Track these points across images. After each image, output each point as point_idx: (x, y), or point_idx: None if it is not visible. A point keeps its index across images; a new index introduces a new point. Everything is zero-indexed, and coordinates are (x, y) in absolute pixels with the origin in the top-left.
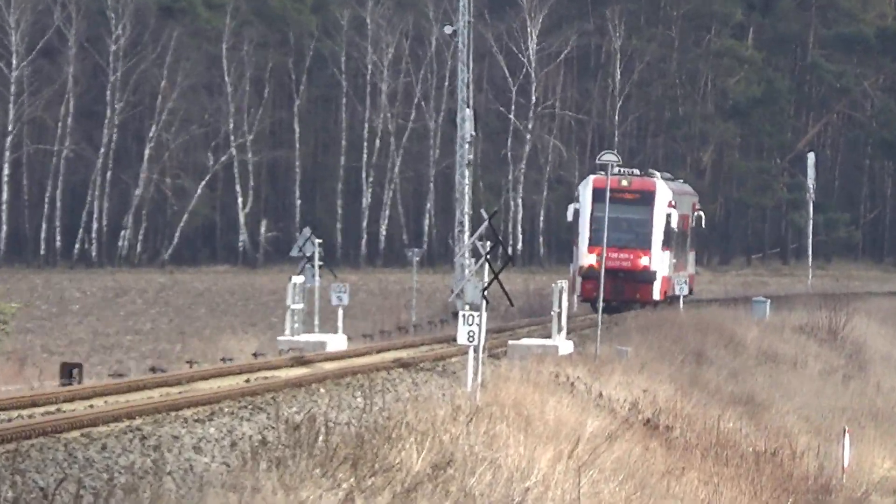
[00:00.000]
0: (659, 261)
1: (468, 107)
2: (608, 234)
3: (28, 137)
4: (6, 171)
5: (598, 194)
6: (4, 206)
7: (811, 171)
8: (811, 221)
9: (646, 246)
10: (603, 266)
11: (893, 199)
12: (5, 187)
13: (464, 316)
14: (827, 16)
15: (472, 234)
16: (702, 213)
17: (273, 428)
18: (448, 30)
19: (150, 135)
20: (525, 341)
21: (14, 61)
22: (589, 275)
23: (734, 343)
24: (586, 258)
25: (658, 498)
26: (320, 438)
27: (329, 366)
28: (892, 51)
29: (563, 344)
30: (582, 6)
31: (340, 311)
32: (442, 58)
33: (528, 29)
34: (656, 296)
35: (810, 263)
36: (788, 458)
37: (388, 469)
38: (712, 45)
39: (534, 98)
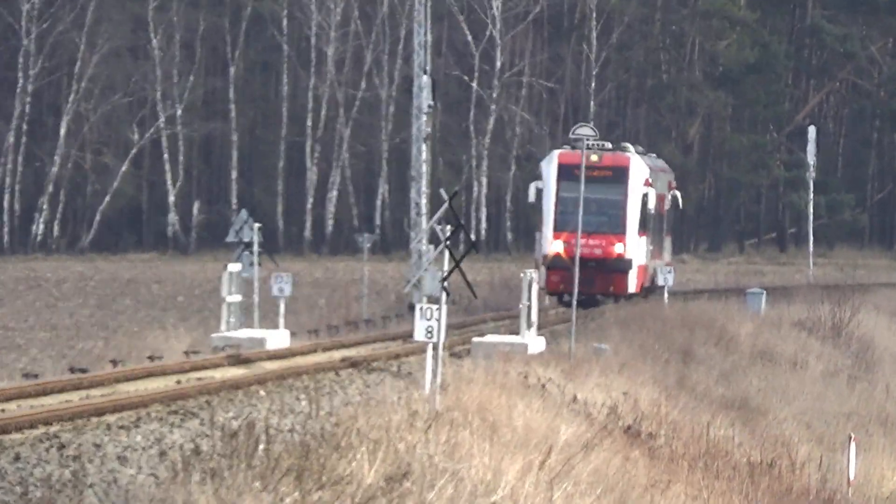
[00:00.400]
0: (635, 247)
1: (425, 74)
2: (575, 217)
3: None
4: None
5: (563, 171)
6: None
7: (812, 147)
8: (812, 203)
9: (619, 230)
10: (578, 253)
11: None
12: None
13: (421, 310)
14: None
15: (430, 217)
16: (678, 192)
17: (207, 435)
18: None
19: (68, 106)
20: (490, 338)
21: None
22: (555, 264)
23: (725, 340)
24: (552, 245)
25: None
26: (260, 447)
27: (270, 365)
28: None
29: (534, 341)
30: None
31: (282, 304)
32: (396, 19)
33: None
34: (632, 288)
35: (811, 250)
36: (787, 470)
37: (336, 482)
38: (700, 4)
39: (499, 64)
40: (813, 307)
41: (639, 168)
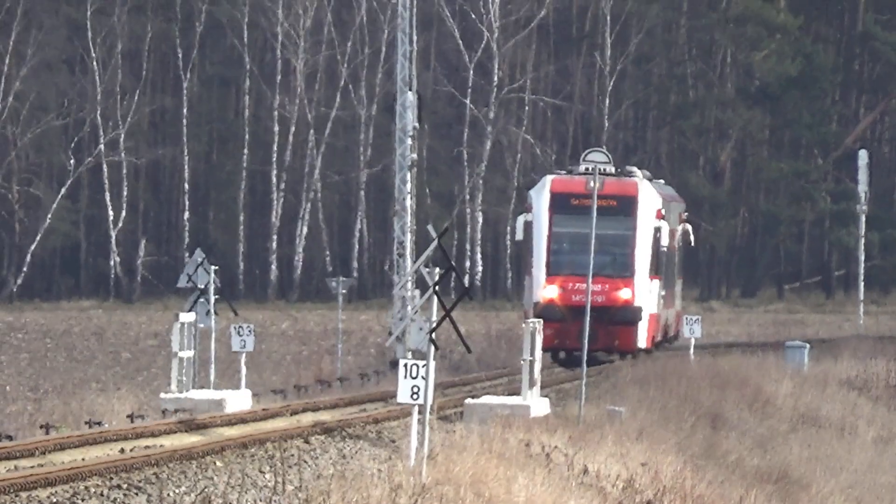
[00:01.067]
0: (645, 293)
1: (410, 90)
2: (572, 257)
3: None
4: None
5: (557, 202)
6: None
7: (863, 175)
8: (863, 241)
9: (627, 273)
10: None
11: None
12: None
13: (405, 366)
14: None
15: (416, 259)
16: (689, 226)
17: None
18: None
19: None
20: (486, 399)
21: None
22: (549, 314)
23: (761, 402)
24: (544, 291)
25: None
26: None
27: (229, 431)
28: None
29: (537, 403)
30: None
31: (243, 360)
32: (376, 25)
33: None
34: (642, 342)
35: (861, 296)
36: None
37: None
38: (733, 8)
39: (496, 78)
40: (864, 363)
41: (649, 197)
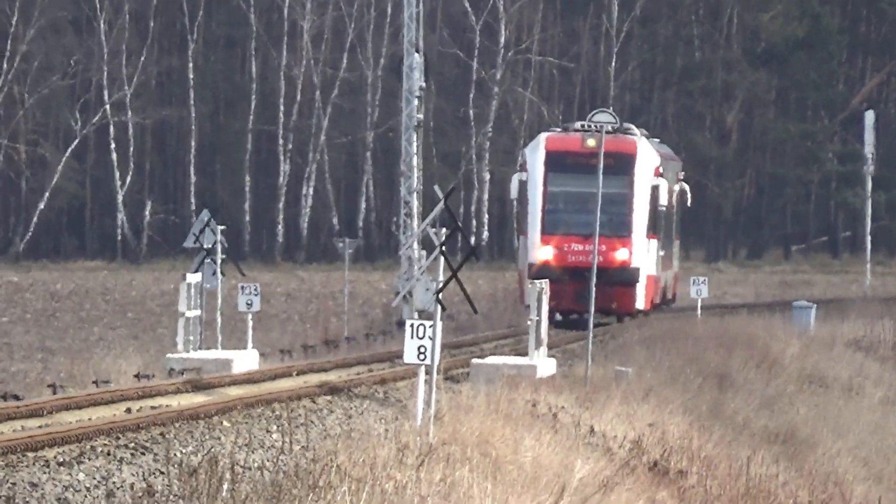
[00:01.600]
0: (643, 254)
1: (417, 51)
2: (568, 216)
3: None
4: None
5: (552, 160)
6: None
7: (870, 136)
8: (869, 202)
9: (624, 232)
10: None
11: None
12: None
13: (412, 327)
14: None
15: (422, 219)
16: (687, 185)
17: (162, 473)
18: None
19: None
20: (493, 360)
21: None
22: (544, 276)
23: (768, 362)
24: (539, 252)
25: None
26: (224, 487)
27: (236, 391)
28: None
29: (543, 363)
30: None
31: (250, 320)
32: None
33: None
34: (640, 304)
35: (868, 257)
36: None
37: None
38: None
39: (503, 39)
40: (871, 324)
41: (647, 155)
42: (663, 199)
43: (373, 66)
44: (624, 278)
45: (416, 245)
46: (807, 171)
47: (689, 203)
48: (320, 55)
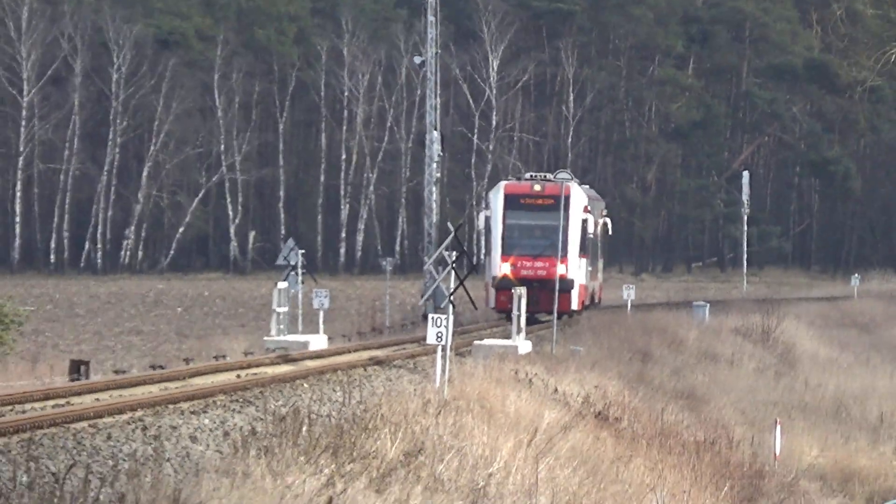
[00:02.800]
0: (575, 269)
1: (436, 129)
2: (521, 241)
3: (38, 157)
4: (19, 188)
5: (509, 201)
6: (18, 219)
7: (746, 188)
8: (745, 233)
9: (562, 253)
10: (524, 274)
11: (819, 214)
12: (18, 202)
13: (433, 319)
14: (759, 47)
15: (439, 245)
16: (609, 220)
17: (262, 419)
18: (417, 60)
19: (149, 154)
20: (488, 342)
21: (25, 88)
22: (503, 285)
23: (676, 343)
24: (500, 268)
25: (608, 482)
26: (304, 429)
27: (311, 363)
28: (818, 79)
29: (522, 344)
30: (538, 39)
31: (321, 314)
32: (412, 85)
33: (490, 59)
34: (574, 305)
35: (745, 271)
36: (726, 447)
37: (364, 456)
38: (656, 74)
39: (494, 122)
40: (746, 317)
41: (578, 196)
42: (590, 229)
43: (405, 139)
44: (562, 287)
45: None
46: (702, 213)
47: (610, 232)
48: (369, 132)
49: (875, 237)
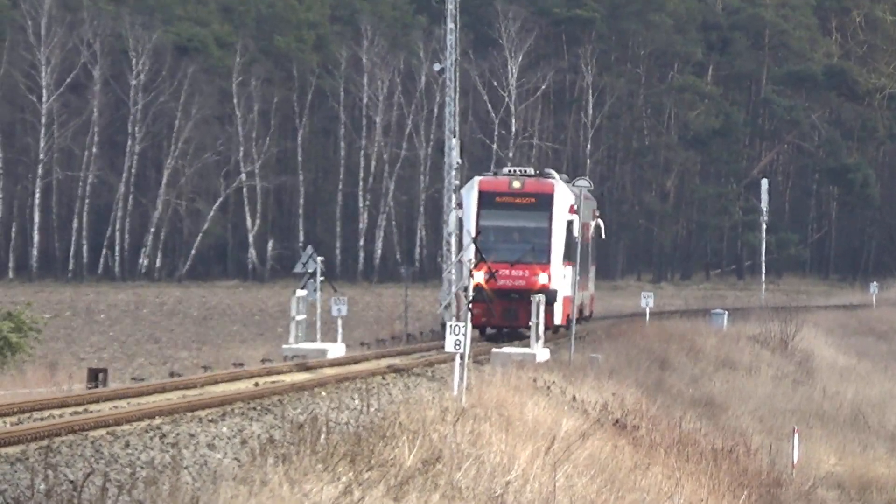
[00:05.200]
0: (559, 278)
1: (455, 137)
2: (497, 246)
3: (57, 165)
4: (38, 196)
5: (485, 199)
6: (36, 227)
7: (764, 196)
8: (764, 241)
9: (544, 260)
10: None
11: (838, 221)
12: (37, 210)
13: (451, 327)
14: (778, 55)
15: (458, 253)
16: (601, 221)
17: (279, 427)
18: (436, 67)
19: (168, 162)
20: (506, 349)
21: (44, 95)
22: (476, 297)
23: (695, 351)
24: (474, 276)
25: (626, 491)
26: (322, 437)
27: (329, 371)
28: (837, 87)
29: (541, 352)
30: (557, 46)
31: (340, 322)
32: (431, 92)
33: (509, 66)
34: (558, 320)
35: (763, 279)
36: (744, 455)
37: (382, 464)
38: (675, 81)
39: (514, 129)
40: (765, 325)
41: (563, 195)
42: (577, 232)
43: (424, 147)
44: (545, 299)
45: (454, 271)
46: (721, 220)
47: (603, 236)
48: (388, 139)
49: (894, 245)
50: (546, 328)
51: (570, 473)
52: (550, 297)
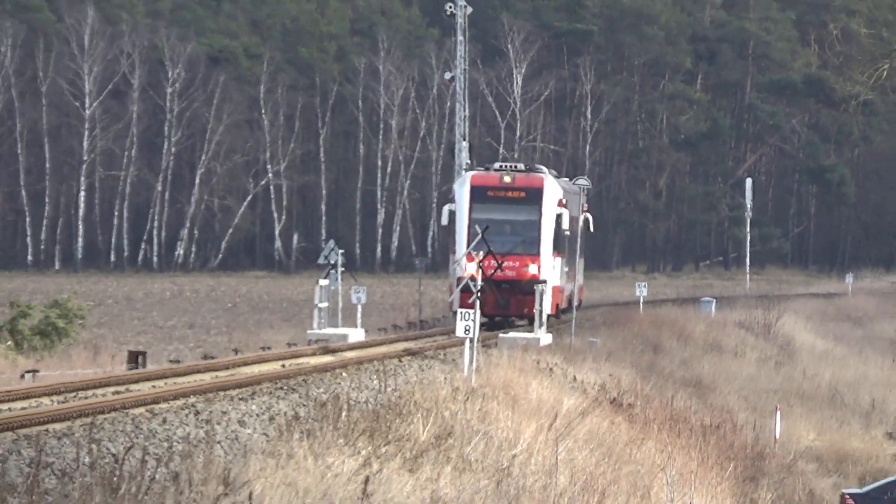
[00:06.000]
0: (549, 269)
1: (464, 140)
2: (489, 237)
3: (100, 165)
4: (82, 194)
5: (476, 193)
6: (81, 222)
7: (749, 194)
8: (748, 235)
9: (534, 251)
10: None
11: (816, 217)
12: (82, 206)
13: (461, 313)
14: (762, 64)
15: (468, 246)
16: (590, 215)
17: (304, 405)
18: (447, 76)
19: (201, 162)
20: (512, 334)
21: (87, 101)
22: (469, 287)
23: (685, 336)
24: (465, 268)
25: (622, 463)
26: (343, 414)
27: (350, 354)
28: (815, 94)
29: (544, 336)
30: (559, 56)
31: (359, 309)
32: (442, 99)
33: (514, 75)
34: (547, 309)
35: (748, 270)
36: (730, 431)
37: (399, 439)
38: (667, 89)
39: (518, 132)
40: (749, 311)
41: (552, 189)
42: (565, 225)
43: (436, 149)
44: (533, 289)
45: (463, 262)
46: (709, 216)
47: (591, 229)
48: (403, 142)
49: (868, 239)
50: (534, 318)
51: (571, 447)
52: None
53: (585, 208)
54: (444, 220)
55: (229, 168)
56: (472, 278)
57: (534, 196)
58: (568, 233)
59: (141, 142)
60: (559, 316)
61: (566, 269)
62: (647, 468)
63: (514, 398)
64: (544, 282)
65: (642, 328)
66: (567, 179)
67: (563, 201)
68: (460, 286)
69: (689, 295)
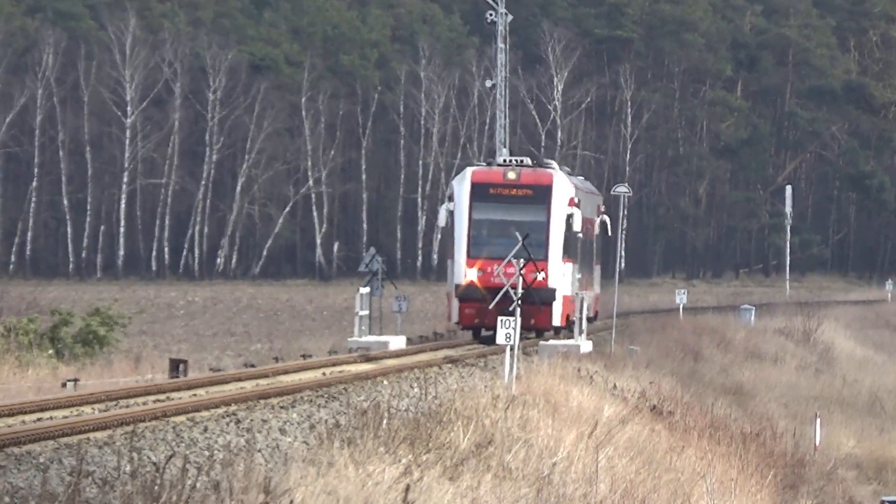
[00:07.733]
0: (559, 276)
1: (505, 147)
2: (490, 241)
3: (141, 173)
4: (124, 201)
5: (477, 191)
6: (123, 230)
7: (789, 201)
8: (788, 242)
9: (541, 256)
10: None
11: (856, 224)
12: (123, 214)
13: (502, 321)
14: (802, 71)
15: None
16: (608, 218)
17: (345, 413)
18: (488, 83)
19: (242, 170)
20: (552, 342)
21: (129, 109)
22: (469, 295)
23: (725, 343)
24: (465, 273)
25: (662, 471)
26: (384, 422)
27: (391, 362)
28: (855, 100)
29: (584, 344)
30: (599, 63)
31: (400, 317)
32: (483, 106)
33: (555, 83)
34: (556, 321)
35: (788, 277)
36: (770, 438)
37: (439, 447)
38: (707, 96)
39: (559, 140)
40: (789, 319)
41: (563, 186)
42: (577, 227)
43: (477, 156)
44: (541, 298)
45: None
46: (749, 223)
47: (609, 233)
48: (444, 150)
49: None
50: (542, 331)
51: (612, 455)
52: (548, 296)
53: (602, 210)
54: (442, 222)
55: (270, 176)
56: (472, 286)
57: (541, 194)
58: (581, 235)
59: (182, 150)
60: (570, 328)
61: (578, 275)
62: (688, 476)
63: (554, 406)
64: (546, 290)
65: (682, 336)
66: (582, 178)
67: (576, 200)
68: (458, 294)
69: (728, 302)
